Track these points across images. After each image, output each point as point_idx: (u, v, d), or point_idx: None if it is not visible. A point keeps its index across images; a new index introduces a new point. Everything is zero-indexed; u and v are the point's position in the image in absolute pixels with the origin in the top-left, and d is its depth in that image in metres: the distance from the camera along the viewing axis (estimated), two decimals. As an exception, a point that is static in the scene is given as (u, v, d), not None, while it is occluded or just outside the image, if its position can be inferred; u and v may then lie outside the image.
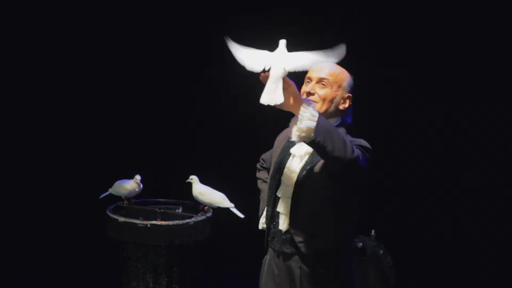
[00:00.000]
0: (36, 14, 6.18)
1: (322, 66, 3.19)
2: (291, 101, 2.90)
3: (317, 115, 2.87)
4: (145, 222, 4.52)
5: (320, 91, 3.16)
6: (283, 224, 3.16)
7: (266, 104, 2.89)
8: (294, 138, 2.96)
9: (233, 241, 6.03)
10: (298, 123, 2.89)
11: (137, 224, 4.51)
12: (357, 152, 2.91)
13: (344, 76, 3.19)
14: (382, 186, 5.93)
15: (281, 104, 2.88)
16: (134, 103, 6.34)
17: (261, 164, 3.54)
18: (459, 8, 5.71)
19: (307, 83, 3.20)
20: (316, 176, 3.08)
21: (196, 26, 6.19)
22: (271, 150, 3.43)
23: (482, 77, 5.75)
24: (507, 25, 5.66)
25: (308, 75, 3.20)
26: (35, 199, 6.33)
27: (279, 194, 3.18)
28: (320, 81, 3.17)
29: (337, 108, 3.18)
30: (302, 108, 2.88)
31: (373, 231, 4.80)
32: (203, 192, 4.71)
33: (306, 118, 2.87)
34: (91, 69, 6.29)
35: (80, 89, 6.34)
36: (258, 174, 3.54)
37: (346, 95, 3.19)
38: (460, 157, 5.88)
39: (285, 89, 2.89)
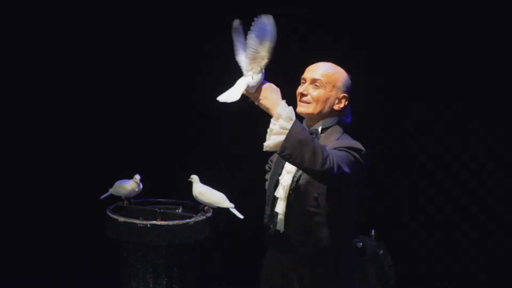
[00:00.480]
0: (36, 14, 6.18)
1: (317, 66, 3.17)
2: (268, 110, 2.94)
3: (289, 126, 2.85)
4: (145, 222, 4.52)
5: (313, 92, 3.14)
6: (280, 224, 3.16)
7: (221, 101, 3.02)
8: (264, 149, 2.98)
9: (233, 241, 6.03)
10: (267, 137, 2.91)
11: (137, 224, 4.51)
12: (331, 163, 2.86)
13: (339, 76, 3.16)
14: (382, 186, 5.93)
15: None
16: (134, 103, 6.34)
17: (269, 166, 3.53)
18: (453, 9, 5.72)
19: (302, 83, 3.19)
20: (310, 177, 3.08)
21: (196, 26, 6.19)
22: None
23: (483, 77, 5.75)
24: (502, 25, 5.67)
25: (303, 75, 3.19)
26: (35, 199, 6.32)
27: (277, 194, 3.18)
28: (313, 82, 3.14)
29: (332, 109, 3.16)
30: (271, 121, 2.90)
31: (373, 231, 4.80)
32: (203, 192, 4.71)
33: (275, 132, 2.88)
34: (91, 70, 6.30)
35: (80, 90, 6.34)
36: (267, 176, 3.54)
37: (341, 95, 3.16)
38: (461, 157, 5.87)
39: (260, 100, 2.95)
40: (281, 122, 2.88)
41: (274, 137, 2.89)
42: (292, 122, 2.87)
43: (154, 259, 4.54)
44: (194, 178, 4.75)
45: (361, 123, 5.98)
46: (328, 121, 3.17)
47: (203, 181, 4.76)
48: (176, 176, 5.29)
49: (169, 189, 5.24)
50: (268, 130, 2.91)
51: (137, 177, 4.79)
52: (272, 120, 2.90)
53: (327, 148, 3.04)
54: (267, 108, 2.95)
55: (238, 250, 6.07)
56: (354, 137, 3.14)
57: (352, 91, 3.17)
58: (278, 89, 2.99)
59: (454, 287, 5.78)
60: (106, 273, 5.68)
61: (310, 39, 5.82)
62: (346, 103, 3.18)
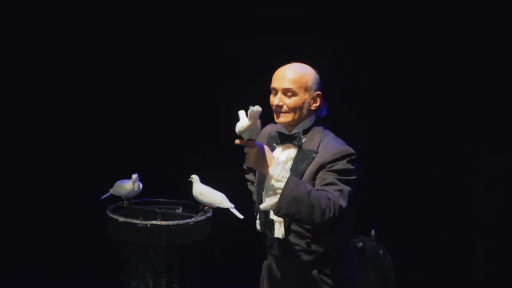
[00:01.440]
0: (36, 14, 6.18)
1: (284, 73, 3.12)
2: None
3: (281, 185, 2.90)
4: (145, 222, 4.52)
5: (288, 101, 3.11)
6: (278, 231, 3.15)
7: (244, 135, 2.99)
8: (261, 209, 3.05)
9: (233, 241, 6.03)
10: (263, 199, 3.00)
11: (137, 224, 4.51)
12: (330, 211, 2.90)
13: (308, 77, 3.13)
14: (383, 185, 5.92)
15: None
16: (135, 103, 6.34)
17: (246, 165, 3.52)
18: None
19: (273, 94, 3.16)
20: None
21: (198, 26, 6.19)
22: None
23: (482, 75, 5.75)
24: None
25: (272, 85, 3.16)
26: (35, 199, 6.32)
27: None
28: (285, 91, 3.11)
29: (309, 110, 3.15)
30: (265, 183, 2.96)
31: (373, 231, 4.80)
32: (203, 192, 4.71)
33: (269, 194, 2.94)
34: (91, 70, 6.30)
35: (80, 90, 6.34)
36: (247, 176, 3.53)
37: (315, 94, 3.15)
38: (462, 157, 5.87)
39: (252, 164, 2.98)
40: (273, 182, 2.92)
41: (268, 199, 2.95)
42: (285, 180, 2.90)
43: (154, 259, 4.53)
44: (194, 178, 4.75)
45: (361, 123, 5.99)
46: (307, 122, 3.16)
47: (203, 181, 4.76)
48: (176, 176, 5.29)
49: (169, 189, 5.24)
50: (263, 192, 2.98)
51: (134, 176, 4.78)
52: (265, 182, 2.96)
53: (316, 163, 3.03)
54: (262, 171, 3.00)
55: (238, 250, 6.07)
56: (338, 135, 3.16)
57: (323, 86, 3.18)
58: (263, 147, 2.99)
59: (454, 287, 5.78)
60: (106, 273, 5.68)
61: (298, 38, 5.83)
62: (321, 99, 3.17)
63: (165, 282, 4.55)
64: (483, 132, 5.80)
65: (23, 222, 6.28)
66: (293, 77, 3.11)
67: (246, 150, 2.99)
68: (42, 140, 6.33)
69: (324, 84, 3.18)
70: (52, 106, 6.34)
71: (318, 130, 3.15)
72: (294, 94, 3.11)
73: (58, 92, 6.32)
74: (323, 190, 2.96)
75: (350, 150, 3.06)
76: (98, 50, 6.25)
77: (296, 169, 3.07)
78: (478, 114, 5.81)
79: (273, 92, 3.16)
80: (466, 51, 5.73)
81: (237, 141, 2.99)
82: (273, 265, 3.23)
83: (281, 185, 2.90)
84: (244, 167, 3.53)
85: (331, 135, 3.16)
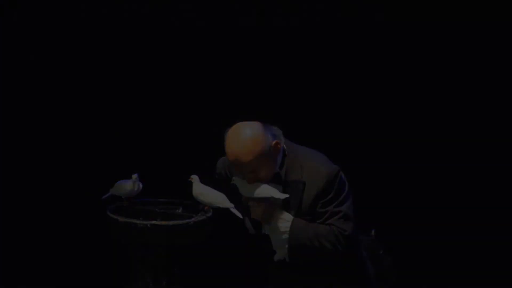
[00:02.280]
0: (37, 14, 6.18)
1: (238, 160, 3.07)
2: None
3: (287, 237, 2.99)
4: (145, 222, 4.52)
5: (259, 175, 3.07)
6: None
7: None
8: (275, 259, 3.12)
9: (233, 241, 6.03)
10: (273, 247, 3.08)
11: (137, 224, 4.51)
12: (338, 243, 2.96)
13: (259, 148, 3.05)
14: (383, 185, 5.93)
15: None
16: (135, 103, 6.34)
17: (219, 174, 3.53)
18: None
19: (242, 173, 3.13)
20: (294, 212, 3.09)
21: (198, 25, 6.20)
22: (223, 159, 3.40)
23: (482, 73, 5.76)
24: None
25: (235, 169, 3.14)
26: (34, 199, 6.32)
27: (265, 231, 3.18)
28: (251, 171, 3.08)
29: (276, 158, 3.09)
30: (271, 237, 3.05)
31: (373, 231, 4.80)
32: (203, 192, 4.71)
33: (278, 247, 3.04)
34: (92, 69, 6.30)
35: (80, 89, 6.34)
36: (223, 186, 3.53)
37: (273, 146, 3.07)
38: (461, 156, 5.88)
39: (258, 218, 3.11)
40: (279, 235, 3.03)
41: (279, 251, 3.05)
42: (288, 230, 2.99)
43: (154, 259, 4.54)
44: (194, 178, 4.75)
45: (360, 122, 6.00)
46: (279, 159, 3.11)
47: (203, 181, 4.76)
48: (176, 176, 5.29)
49: (169, 189, 5.24)
50: (273, 244, 3.09)
51: (134, 176, 4.79)
52: (272, 236, 3.06)
53: (309, 195, 3.04)
54: (266, 224, 3.09)
55: (238, 250, 6.07)
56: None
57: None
58: (271, 202, 3.05)
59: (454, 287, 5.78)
60: (106, 273, 5.68)
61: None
62: (279, 142, 3.09)
63: (165, 282, 4.55)
64: (482, 132, 5.81)
65: (23, 222, 6.27)
66: (248, 160, 3.04)
67: (252, 205, 3.07)
68: (42, 140, 6.33)
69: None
70: (52, 106, 6.33)
71: (291, 157, 3.12)
72: (258, 168, 3.06)
73: (57, 92, 6.32)
74: (328, 224, 3.00)
75: (334, 169, 3.05)
76: (98, 50, 6.25)
77: (290, 202, 3.07)
78: (477, 114, 5.81)
79: (242, 172, 3.12)
80: (466, 49, 5.75)
81: (245, 198, 3.10)
82: (282, 273, 3.23)
83: (286, 236, 3.00)
84: (217, 176, 3.53)
85: (307, 154, 3.12)
